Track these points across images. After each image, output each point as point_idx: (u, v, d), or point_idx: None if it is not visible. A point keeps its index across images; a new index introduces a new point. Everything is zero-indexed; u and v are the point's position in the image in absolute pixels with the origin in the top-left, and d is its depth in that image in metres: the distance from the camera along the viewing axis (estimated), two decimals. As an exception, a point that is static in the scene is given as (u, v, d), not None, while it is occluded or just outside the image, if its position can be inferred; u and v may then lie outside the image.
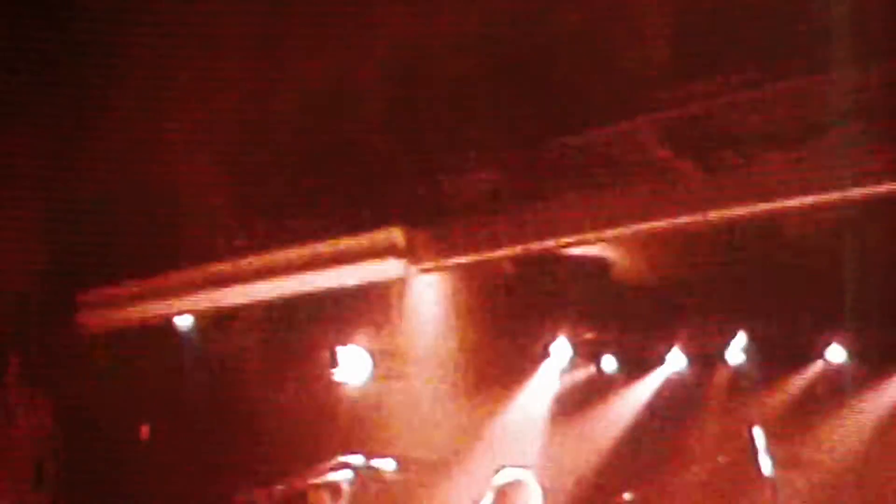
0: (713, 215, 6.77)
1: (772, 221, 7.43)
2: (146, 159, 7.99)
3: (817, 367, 9.19)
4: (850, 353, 8.99)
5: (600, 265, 9.03)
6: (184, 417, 9.54)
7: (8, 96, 7.75)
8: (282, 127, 7.64)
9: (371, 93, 7.32)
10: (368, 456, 7.67)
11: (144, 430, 9.60)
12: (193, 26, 7.26)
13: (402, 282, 8.06)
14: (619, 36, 6.70)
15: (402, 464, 7.69)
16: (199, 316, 8.73)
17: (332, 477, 7.71)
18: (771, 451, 7.44)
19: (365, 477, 7.83)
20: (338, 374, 9.88)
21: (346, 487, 8.27)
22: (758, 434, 7.46)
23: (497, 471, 7.81)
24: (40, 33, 7.46)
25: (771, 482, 7.82)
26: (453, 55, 7.03)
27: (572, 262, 8.83)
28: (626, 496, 7.43)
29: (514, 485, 7.35)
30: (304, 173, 7.64)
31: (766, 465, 7.42)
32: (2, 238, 7.98)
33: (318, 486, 7.83)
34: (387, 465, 7.56)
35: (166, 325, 8.90)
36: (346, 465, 7.64)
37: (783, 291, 8.65)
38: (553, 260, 8.60)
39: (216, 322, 9.00)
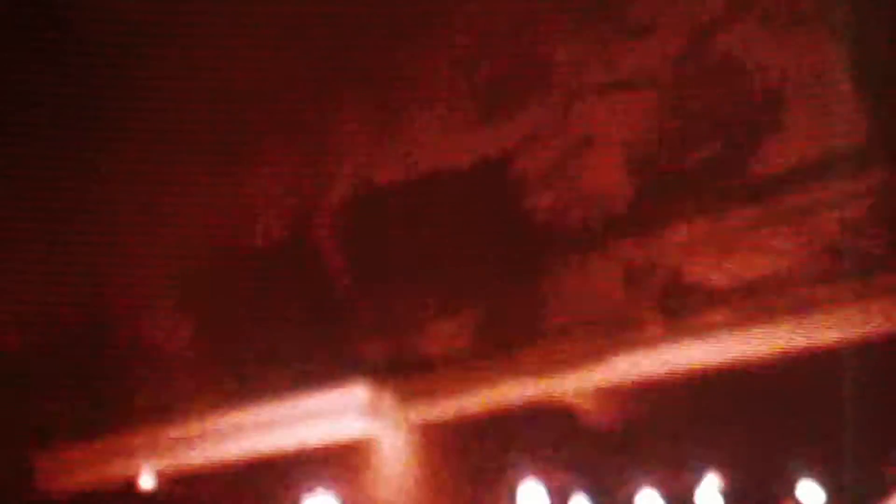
0: (675, 365, 6.74)
1: (740, 366, 7.37)
2: (106, 309, 7.89)
3: (790, 508, 9.09)
4: (828, 491, 8.90)
5: (568, 411, 8.93)
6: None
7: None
8: (244, 275, 7.57)
9: (329, 238, 7.29)
10: None
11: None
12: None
13: (369, 437, 7.93)
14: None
15: None
16: (162, 476, 8.54)
17: None
18: None
19: None
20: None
21: None
22: None
23: None
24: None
25: None
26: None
27: (540, 409, 8.73)
28: None
29: None
30: (265, 327, 7.55)
31: None
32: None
33: None
34: None
35: (128, 487, 8.69)
36: None
37: (754, 432, 8.56)
38: (521, 407, 8.50)
39: (180, 481, 8.80)
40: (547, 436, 9.20)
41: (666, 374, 7.13)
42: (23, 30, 7.45)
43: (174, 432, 7.69)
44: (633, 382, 7.38)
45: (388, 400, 7.47)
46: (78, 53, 7.21)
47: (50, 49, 7.38)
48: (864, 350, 6.64)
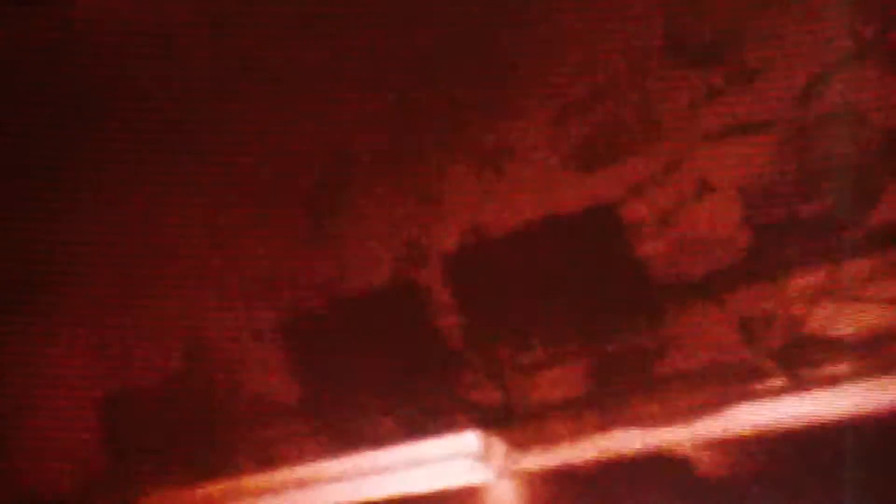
0: (795, 417, 6.60)
1: (862, 419, 7.19)
2: (205, 350, 7.92)
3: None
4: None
5: (684, 462, 8.76)
6: None
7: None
8: (350, 323, 7.55)
9: (437, 285, 7.25)
10: None
11: None
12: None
13: (479, 486, 7.84)
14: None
15: None
16: (268, 522, 8.55)
17: None
18: None
19: None
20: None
21: None
22: None
23: None
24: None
25: None
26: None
27: (655, 460, 8.58)
28: None
29: None
30: (371, 374, 7.52)
31: None
32: (60, 446, 7.91)
33: None
34: None
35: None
36: None
37: (874, 489, 8.34)
38: (634, 458, 8.36)
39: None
40: (661, 488, 9.01)
41: (785, 426, 6.97)
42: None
43: (278, 479, 7.68)
44: (751, 434, 7.24)
45: (497, 448, 7.38)
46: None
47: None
48: None
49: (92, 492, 8.13)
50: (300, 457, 7.63)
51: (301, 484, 7.76)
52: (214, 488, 7.96)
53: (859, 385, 6.57)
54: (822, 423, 6.88)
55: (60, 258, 8.35)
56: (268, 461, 7.77)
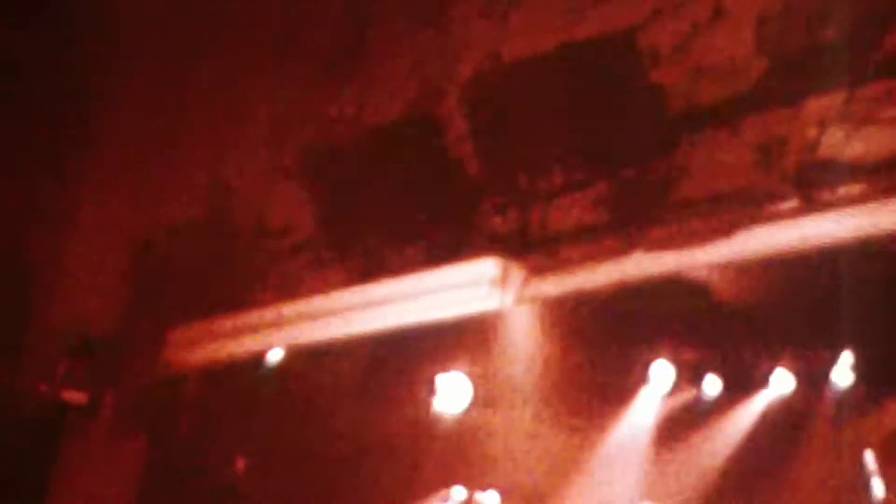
0: (810, 240, 6.64)
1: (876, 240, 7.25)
2: (230, 190, 8.03)
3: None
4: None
5: (700, 287, 8.88)
6: (279, 453, 9.52)
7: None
8: (371, 153, 7.61)
9: (457, 114, 7.28)
10: (470, 488, 7.62)
11: (240, 464, 9.60)
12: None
13: (499, 312, 7.97)
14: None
15: (504, 496, 7.63)
16: (293, 350, 8.70)
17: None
18: (883, 475, 7.28)
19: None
20: (437, 404, 9.84)
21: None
22: (869, 458, 7.30)
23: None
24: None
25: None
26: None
27: (671, 285, 8.69)
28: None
29: None
30: (392, 204, 7.59)
31: (878, 490, 7.27)
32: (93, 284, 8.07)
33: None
34: (489, 498, 7.51)
35: (258, 361, 8.88)
36: (449, 499, 7.59)
37: (890, 309, 8.45)
38: (651, 283, 8.46)
39: (311, 357, 8.97)
40: (678, 313, 9.16)
41: (801, 249, 7.02)
42: None
43: (302, 309, 7.79)
44: (766, 258, 7.29)
45: (516, 274, 7.47)
46: None
47: None
48: None
49: (122, 326, 8.30)
50: (323, 287, 7.74)
51: (324, 314, 7.89)
52: (240, 320, 8.11)
53: (873, 206, 6.62)
54: (838, 245, 6.96)
55: (96, 110, 8.47)
56: (292, 292, 7.90)
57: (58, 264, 8.40)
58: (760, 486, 8.88)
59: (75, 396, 8.25)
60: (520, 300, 7.70)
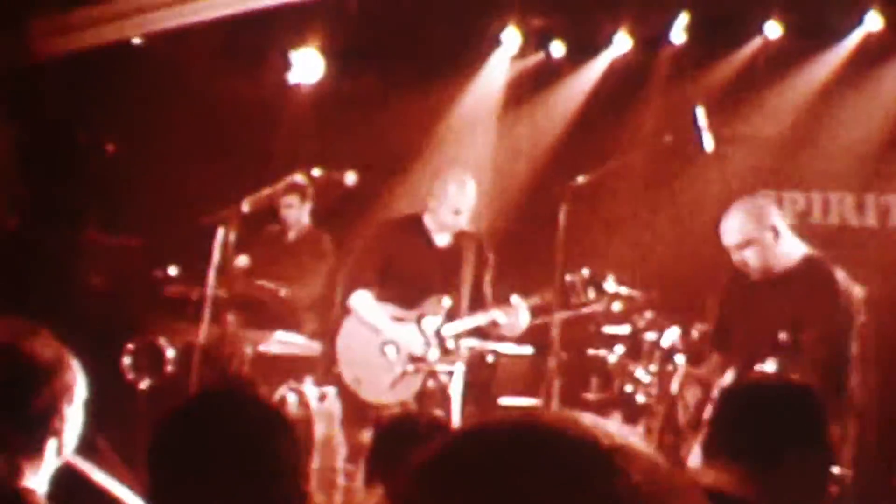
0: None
1: None
2: None
3: (756, 42, 9.44)
4: (787, 28, 9.21)
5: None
6: (145, 135, 9.78)
7: None
8: None
9: None
10: (328, 167, 7.96)
11: (110, 148, 9.83)
12: None
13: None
14: None
15: (361, 172, 7.98)
16: (154, 36, 8.80)
17: (296, 179, 8.03)
18: (713, 129, 7.69)
19: (326, 185, 8.16)
20: (293, 77, 10.11)
21: (310, 190, 8.63)
22: (700, 112, 7.69)
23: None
24: None
25: (714, 158, 8.20)
26: None
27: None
28: (579, 179, 7.72)
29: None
30: None
31: (708, 142, 7.69)
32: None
33: (283, 190, 8.17)
34: (347, 176, 7.89)
35: (123, 48, 9.00)
36: (308, 176, 7.94)
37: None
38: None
39: (171, 41, 9.09)
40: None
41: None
42: None
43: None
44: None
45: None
46: None
47: None
48: None
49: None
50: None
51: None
52: (102, 9, 8.17)
53: None
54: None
55: None
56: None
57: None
58: (602, 142, 9.31)
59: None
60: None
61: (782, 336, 6.66)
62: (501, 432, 1.66)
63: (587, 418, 1.65)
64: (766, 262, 6.88)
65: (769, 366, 6.62)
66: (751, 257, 6.87)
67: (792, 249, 6.95)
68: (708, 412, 6.52)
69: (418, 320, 7.95)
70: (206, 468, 2.78)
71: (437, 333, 7.91)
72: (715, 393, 6.65)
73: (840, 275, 6.87)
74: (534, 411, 1.71)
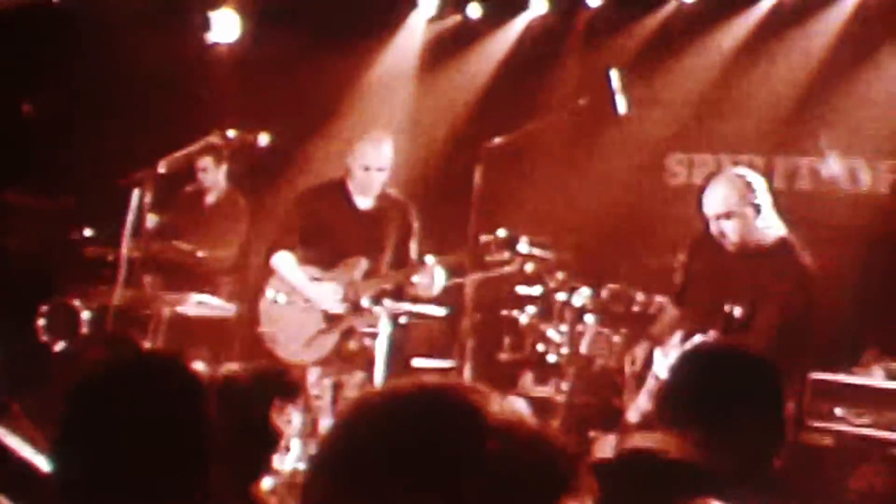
0: None
1: None
2: None
3: (671, 6, 9.54)
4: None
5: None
6: (64, 97, 9.72)
7: None
8: None
9: None
10: (246, 128, 7.99)
11: (26, 108, 9.76)
12: None
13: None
14: None
15: (279, 133, 8.02)
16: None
17: (211, 140, 8.03)
18: (628, 92, 7.79)
19: (240, 146, 8.17)
20: (211, 36, 10.11)
21: (225, 152, 8.65)
22: (614, 75, 7.78)
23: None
24: None
25: (627, 121, 8.30)
26: None
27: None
28: (496, 140, 7.80)
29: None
30: None
31: (622, 106, 7.78)
32: None
33: (199, 152, 8.19)
34: (261, 137, 7.93)
35: (42, 7, 8.89)
36: (223, 137, 7.95)
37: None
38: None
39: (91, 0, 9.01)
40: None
41: None
42: None
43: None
44: None
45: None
46: None
47: None
48: None
49: None
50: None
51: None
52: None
53: None
54: None
55: None
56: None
57: None
58: (518, 105, 9.37)
59: None
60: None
61: (737, 311, 6.64)
62: (391, 401, 1.77)
63: (478, 390, 1.77)
64: (743, 237, 6.83)
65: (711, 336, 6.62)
66: (729, 229, 6.82)
67: (770, 228, 6.93)
68: (654, 371, 6.67)
69: (335, 281, 8.02)
70: (115, 436, 2.71)
71: (353, 294, 7.98)
72: (658, 352, 6.75)
73: (810, 263, 6.89)
74: (427, 381, 1.82)
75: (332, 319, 7.98)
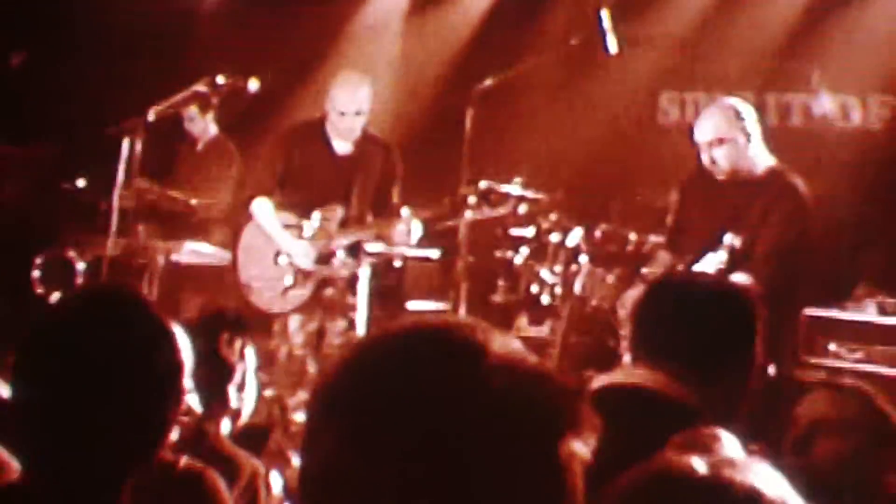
0: None
1: None
2: None
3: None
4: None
5: None
6: (54, 46, 9.66)
7: None
8: None
9: None
10: (235, 74, 7.94)
11: (16, 58, 9.71)
12: None
13: None
14: None
15: (268, 78, 7.98)
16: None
17: (198, 88, 7.98)
18: (619, 30, 7.76)
19: (230, 92, 8.12)
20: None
21: (213, 100, 8.60)
22: (605, 15, 7.75)
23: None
24: None
25: (618, 60, 8.27)
26: None
27: None
28: (486, 82, 7.79)
29: None
30: None
31: (612, 45, 7.77)
32: None
33: (187, 100, 8.14)
34: (251, 83, 7.89)
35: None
36: (212, 84, 7.90)
37: None
38: None
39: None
40: None
41: None
42: None
43: None
44: None
45: None
46: None
47: None
48: None
49: None
50: None
51: None
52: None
53: None
54: None
55: None
56: None
57: None
58: (507, 49, 9.32)
59: None
60: None
61: (737, 242, 6.68)
62: (391, 340, 1.79)
63: (479, 326, 1.78)
64: (734, 164, 6.92)
65: (712, 264, 6.65)
66: (720, 156, 6.92)
67: (760, 157, 7.01)
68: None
69: (311, 229, 7.89)
70: (73, 375, 2.65)
71: (326, 245, 7.87)
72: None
73: (804, 190, 6.94)
74: (428, 320, 1.83)
75: (303, 271, 7.86)
